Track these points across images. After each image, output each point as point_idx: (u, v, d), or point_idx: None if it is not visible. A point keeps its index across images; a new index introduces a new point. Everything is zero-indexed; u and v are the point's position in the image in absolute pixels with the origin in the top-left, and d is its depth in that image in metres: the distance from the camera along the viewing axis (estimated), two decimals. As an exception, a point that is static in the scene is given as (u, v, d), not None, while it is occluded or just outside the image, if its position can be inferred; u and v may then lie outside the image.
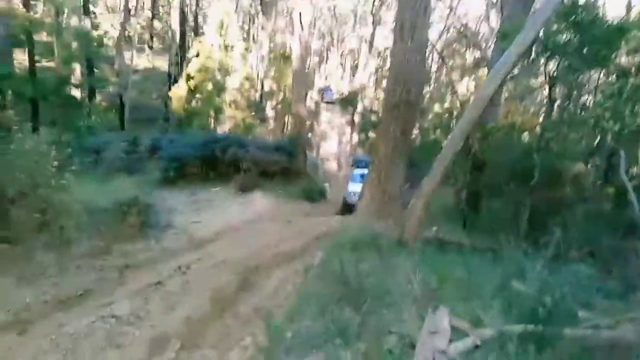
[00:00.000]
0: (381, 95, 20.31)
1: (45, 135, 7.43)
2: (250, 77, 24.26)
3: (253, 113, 23.64)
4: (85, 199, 7.84)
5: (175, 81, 22.87)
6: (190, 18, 30.87)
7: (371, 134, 22.60)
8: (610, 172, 8.71)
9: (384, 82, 17.73)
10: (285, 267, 7.01)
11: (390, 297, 3.93)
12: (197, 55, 20.40)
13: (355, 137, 26.33)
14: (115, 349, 4.29)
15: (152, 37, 34.69)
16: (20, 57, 17.94)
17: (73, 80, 17.98)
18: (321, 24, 26.44)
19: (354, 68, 28.18)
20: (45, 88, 15.53)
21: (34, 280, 5.78)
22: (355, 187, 12.97)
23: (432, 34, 18.34)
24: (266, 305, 5.42)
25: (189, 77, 20.24)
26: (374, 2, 27.02)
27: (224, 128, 20.82)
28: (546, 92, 9.71)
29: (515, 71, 11.23)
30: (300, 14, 18.30)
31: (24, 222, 6.37)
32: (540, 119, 11.66)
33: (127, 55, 24.94)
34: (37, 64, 17.09)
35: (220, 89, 20.68)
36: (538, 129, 9.80)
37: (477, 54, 22.47)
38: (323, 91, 26.29)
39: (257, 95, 27.96)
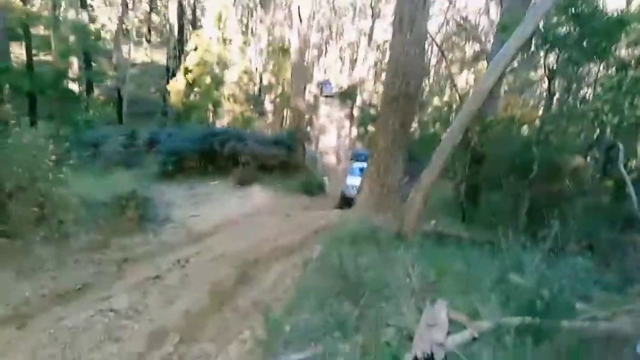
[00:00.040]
0: (380, 88, 20.23)
1: (43, 129, 7.40)
2: (248, 70, 24.15)
3: (252, 107, 23.54)
4: (84, 193, 7.82)
5: (174, 75, 22.75)
6: (188, 11, 30.62)
7: (370, 128, 22.55)
8: (609, 165, 8.71)
9: (383, 76, 17.67)
10: (284, 260, 7.01)
11: (388, 290, 3.93)
12: (196, 49, 20.27)
13: (355, 131, 26.27)
14: (114, 342, 4.29)
15: (150, 31, 34.47)
16: (18, 51, 17.85)
17: (71, 74, 17.87)
18: (320, 17, 26.24)
19: (353, 61, 28.03)
20: (42, 82, 15.44)
21: (33, 274, 5.78)
22: (353, 181, 12.94)
23: (432, 27, 18.25)
24: (265, 299, 5.42)
25: (187, 71, 20.13)
26: (373, -6, 26.87)
27: (222, 122, 20.77)
28: (545, 85, 9.70)
29: (515, 64, 11.23)
30: (298, 7, 18.19)
31: (22, 216, 6.35)
32: (540, 112, 11.65)
33: (125, 48, 24.82)
34: (35, 58, 17.02)
35: (218, 82, 20.60)
36: (537, 122, 9.80)
37: (477, 47, 22.43)
38: (322, 85, 26.15)
39: (256, 88, 27.81)
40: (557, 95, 9.83)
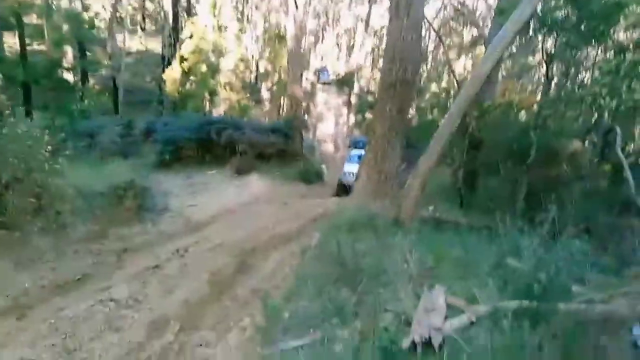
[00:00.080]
0: (378, 75, 20.10)
1: (38, 119, 7.33)
2: (244, 58, 23.89)
3: (248, 95, 23.33)
4: (81, 183, 7.80)
5: (169, 63, 22.48)
6: (183, -2, 30.23)
7: (368, 115, 22.45)
8: (606, 149, 8.72)
9: (381, 62, 17.56)
10: (282, 249, 7.03)
11: (386, 276, 3.96)
12: (191, 37, 20.01)
13: (352, 118, 26.16)
14: (115, 332, 4.30)
15: (144, 19, 33.99)
16: (11, 41, 17.62)
17: (65, 64, 17.73)
18: (316, 3, 25.84)
19: (350, 48, 27.77)
20: (36, 71, 15.31)
21: (32, 265, 5.78)
22: (351, 168, 12.93)
23: (429, 12, 18.05)
24: (264, 286, 5.44)
25: (182, 59, 19.91)
26: (369, -21, 26.52)
27: (219, 110, 20.61)
28: (543, 69, 9.65)
29: (513, 49, 11.14)
30: (294, -7, 17.96)
31: (19, 207, 6.33)
32: (538, 97, 11.61)
33: (119, 37, 24.47)
34: (28, 47, 16.76)
35: (214, 70, 20.39)
36: (535, 107, 9.78)
37: (475, 32, 22.18)
38: (319, 72, 25.95)
39: (252, 76, 27.58)
40: (555, 80, 9.78)
